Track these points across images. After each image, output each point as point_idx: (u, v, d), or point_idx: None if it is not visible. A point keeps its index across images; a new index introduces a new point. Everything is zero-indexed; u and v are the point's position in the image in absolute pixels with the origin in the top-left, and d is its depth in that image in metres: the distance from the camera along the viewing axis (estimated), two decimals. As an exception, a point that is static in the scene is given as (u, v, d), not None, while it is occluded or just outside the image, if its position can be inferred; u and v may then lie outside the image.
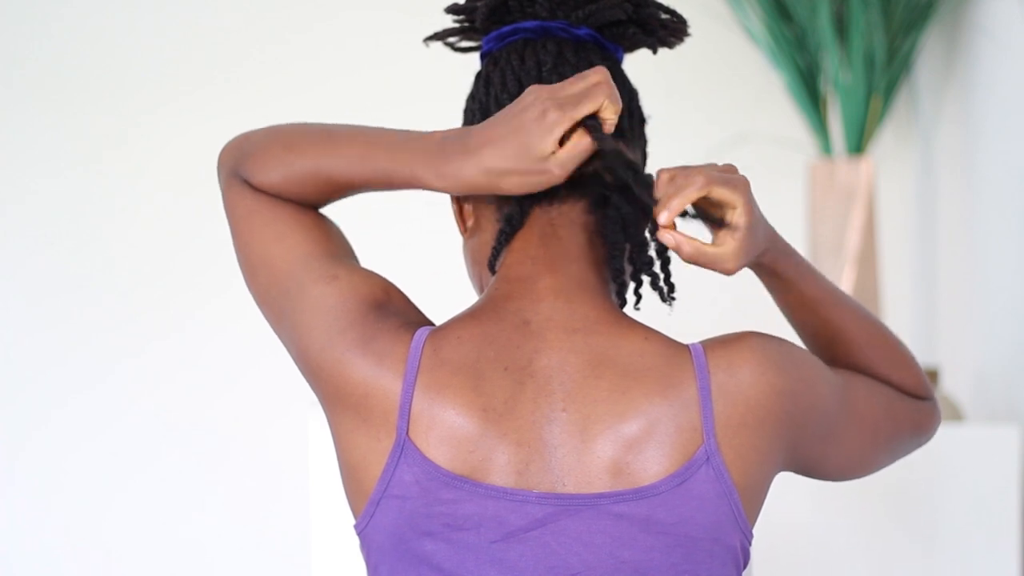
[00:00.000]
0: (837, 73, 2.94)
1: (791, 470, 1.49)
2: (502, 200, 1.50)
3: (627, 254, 1.50)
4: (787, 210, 3.18)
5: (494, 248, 1.50)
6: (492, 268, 1.50)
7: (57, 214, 3.16)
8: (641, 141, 1.55)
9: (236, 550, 3.16)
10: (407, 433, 1.41)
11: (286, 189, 1.52)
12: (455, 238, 1.63)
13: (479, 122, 1.51)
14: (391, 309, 1.46)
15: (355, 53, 3.20)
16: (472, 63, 1.62)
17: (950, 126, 3.03)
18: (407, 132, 1.49)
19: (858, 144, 2.96)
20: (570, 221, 1.49)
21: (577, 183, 1.48)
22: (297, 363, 1.49)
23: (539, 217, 1.49)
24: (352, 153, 1.50)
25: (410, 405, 1.41)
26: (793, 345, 1.47)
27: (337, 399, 1.44)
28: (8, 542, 3.14)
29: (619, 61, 1.56)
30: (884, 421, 1.53)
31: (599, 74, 1.44)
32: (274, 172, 1.52)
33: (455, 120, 1.60)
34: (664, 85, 3.11)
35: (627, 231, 1.48)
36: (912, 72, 3.10)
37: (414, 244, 3.09)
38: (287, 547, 3.11)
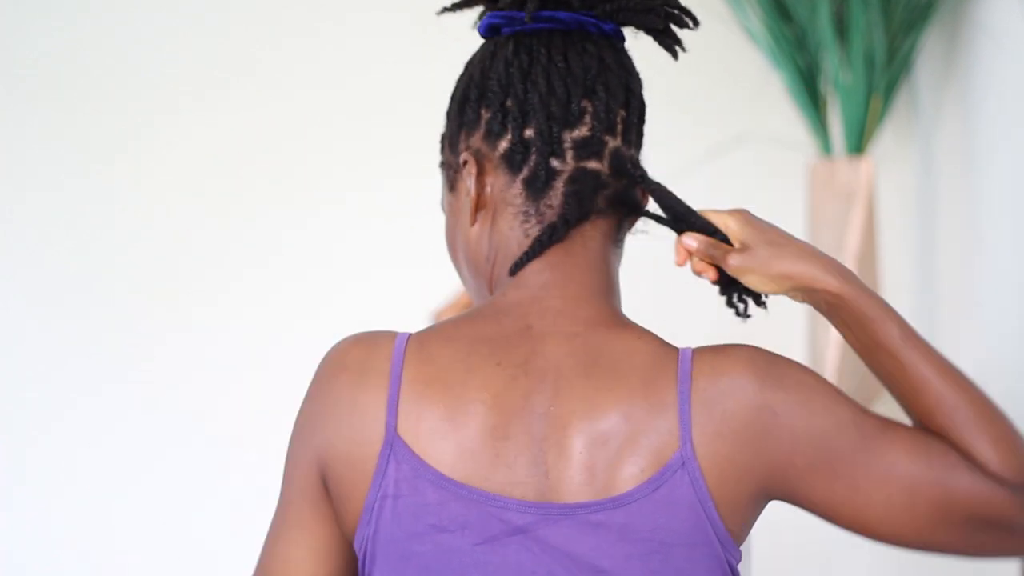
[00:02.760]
0: (837, 73, 2.94)
1: (796, 503, 1.43)
2: (538, 205, 1.49)
3: None
4: (787, 210, 3.18)
5: (526, 255, 1.48)
6: (512, 272, 1.48)
7: (61, 216, 3.16)
8: (639, 139, 1.55)
9: (237, 551, 3.16)
10: (396, 429, 1.41)
11: None
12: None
13: (475, 91, 1.50)
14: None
15: (358, 56, 3.20)
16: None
17: (950, 126, 3.03)
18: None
19: (858, 144, 2.96)
20: (600, 233, 1.49)
21: (622, 200, 1.49)
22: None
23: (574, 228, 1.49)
24: None
25: (397, 401, 1.41)
26: (793, 364, 1.44)
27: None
28: (13, 544, 3.14)
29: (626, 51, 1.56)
30: (929, 483, 1.40)
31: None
32: None
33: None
34: (664, 85, 3.12)
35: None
36: (912, 72, 3.10)
37: (414, 245, 3.09)
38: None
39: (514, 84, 1.49)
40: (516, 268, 1.48)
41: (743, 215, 1.49)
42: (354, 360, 1.45)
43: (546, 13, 1.50)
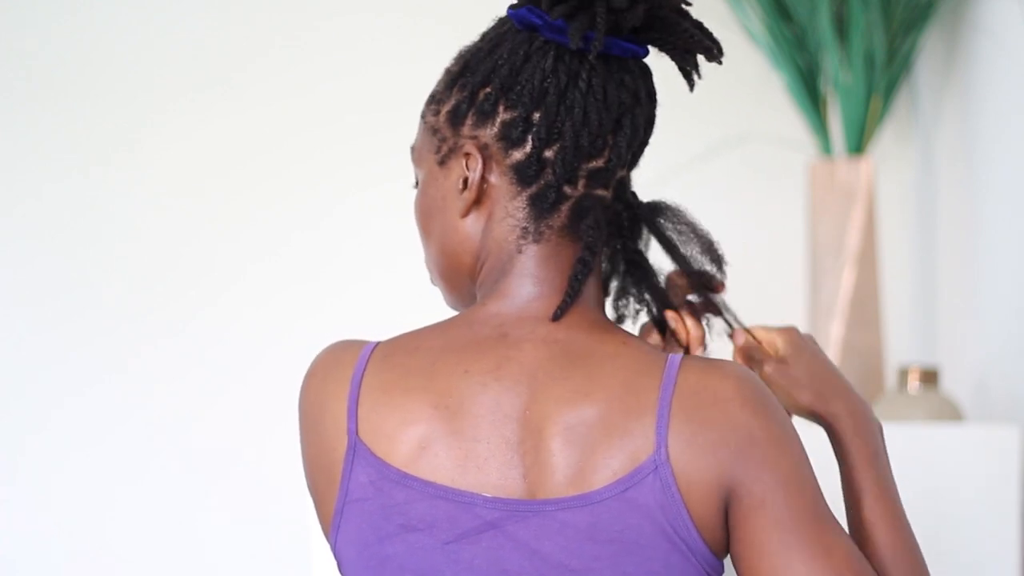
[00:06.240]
0: (837, 73, 2.94)
1: (733, 538, 1.40)
2: (538, 224, 1.47)
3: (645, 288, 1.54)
4: (787, 210, 3.18)
5: (568, 298, 1.46)
6: (555, 319, 1.46)
7: (59, 216, 3.15)
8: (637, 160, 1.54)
9: (236, 551, 3.16)
10: (357, 433, 1.41)
11: None
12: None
13: (486, 75, 1.47)
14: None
15: (356, 56, 3.19)
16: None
17: (950, 126, 3.03)
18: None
19: (858, 144, 2.96)
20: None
21: (618, 224, 1.49)
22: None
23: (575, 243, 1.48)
24: None
25: (357, 404, 1.41)
26: (781, 408, 1.42)
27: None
28: (7, 544, 3.14)
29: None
30: None
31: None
32: None
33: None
34: (664, 85, 3.11)
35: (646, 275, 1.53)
36: (912, 72, 3.10)
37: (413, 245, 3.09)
38: (287, 550, 3.11)
39: (547, 102, 1.45)
40: (558, 316, 1.45)
41: (792, 334, 1.57)
42: (321, 368, 1.46)
43: (610, 41, 1.46)
